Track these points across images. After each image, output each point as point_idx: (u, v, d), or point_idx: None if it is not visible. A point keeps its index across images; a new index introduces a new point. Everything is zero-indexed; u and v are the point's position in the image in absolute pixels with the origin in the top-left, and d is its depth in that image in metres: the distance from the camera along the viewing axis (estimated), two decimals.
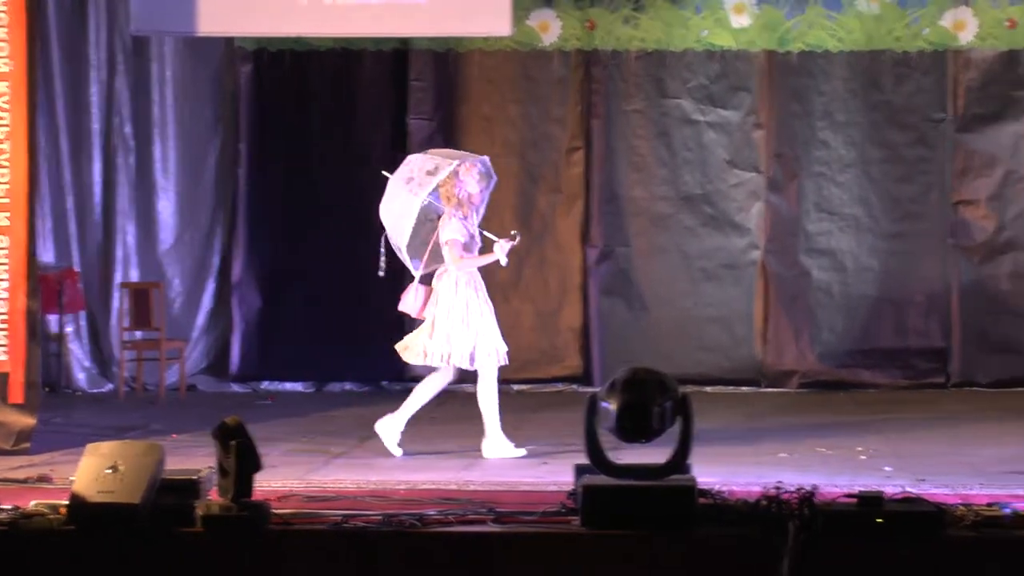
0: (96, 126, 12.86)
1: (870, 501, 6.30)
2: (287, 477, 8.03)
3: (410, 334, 9.50)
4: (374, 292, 12.76)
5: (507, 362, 9.47)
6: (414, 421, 9.42)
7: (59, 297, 12.16)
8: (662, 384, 6.54)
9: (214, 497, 6.46)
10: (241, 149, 12.85)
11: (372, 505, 6.92)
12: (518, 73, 12.77)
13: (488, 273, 12.74)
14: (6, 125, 9.32)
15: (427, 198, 9.35)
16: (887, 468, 8.68)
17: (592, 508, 6.38)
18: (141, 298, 12.32)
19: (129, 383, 12.48)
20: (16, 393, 9.35)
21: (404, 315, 9.58)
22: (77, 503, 6.31)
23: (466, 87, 12.77)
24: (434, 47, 12.72)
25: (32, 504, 6.60)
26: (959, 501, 6.84)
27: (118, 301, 12.63)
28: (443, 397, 12.33)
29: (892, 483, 7.77)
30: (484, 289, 9.42)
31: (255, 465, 6.34)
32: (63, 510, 6.39)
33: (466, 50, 12.72)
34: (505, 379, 12.57)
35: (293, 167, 12.82)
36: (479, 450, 9.35)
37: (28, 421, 9.32)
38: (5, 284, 9.33)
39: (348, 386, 12.75)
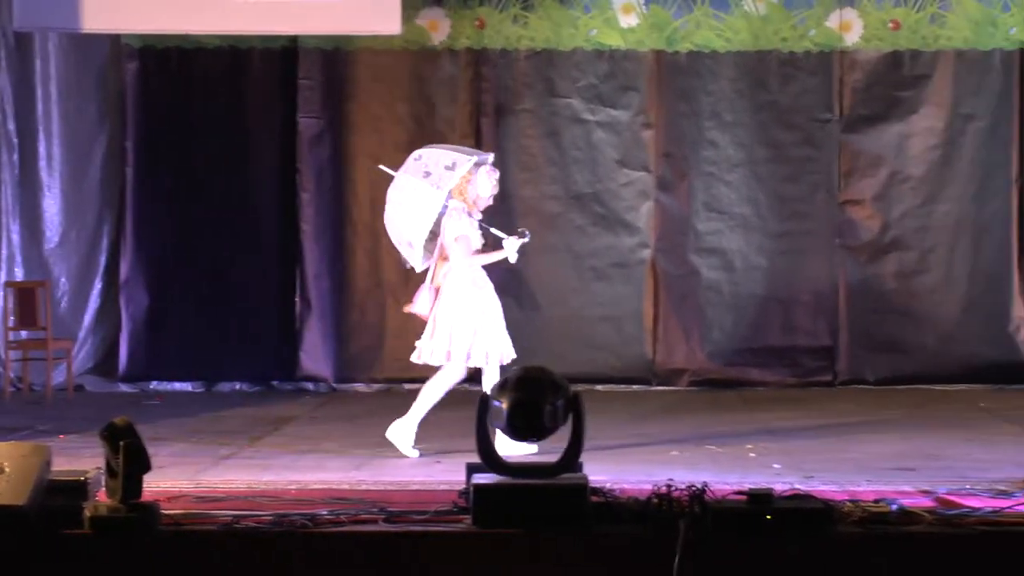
0: None
1: (760, 498, 6.34)
2: (177, 478, 7.95)
3: (425, 337, 9.39)
4: (264, 292, 12.73)
5: (514, 356, 9.36)
6: (306, 422, 9.37)
7: None
8: (553, 383, 6.55)
9: (102, 498, 6.37)
10: (128, 147, 12.72)
11: (263, 505, 6.86)
12: (407, 72, 12.74)
13: (379, 273, 12.77)
14: None
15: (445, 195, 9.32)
16: (776, 465, 8.75)
17: (484, 507, 6.37)
18: (26, 297, 12.16)
19: (15, 383, 12.32)
20: None
21: (413, 316, 9.44)
22: None
23: (355, 86, 12.73)
24: (323, 45, 12.66)
25: None
26: (847, 498, 6.90)
27: (3, 300, 12.45)
28: (328, 396, 12.32)
29: (781, 480, 7.83)
30: (491, 286, 9.38)
31: (144, 466, 6.26)
32: None
33: (355, 48, 12.67)
34: (396, 378, 12.63)
35: (181, 166, 12.70)
36: (364, 449, 9.32)
37: None
38: None
39: (238, 386, 12.65)
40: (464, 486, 6.66)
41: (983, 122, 12.57)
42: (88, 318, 12.89)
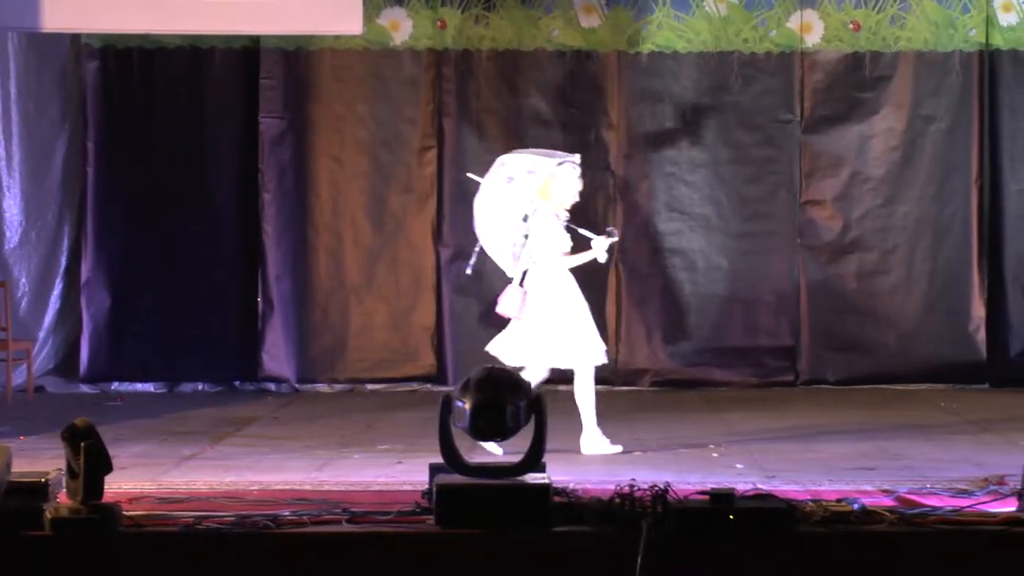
0: None
1: (722, 498, 6.36)
2: (138, 479, 7.92)
3: (501, 335, 9.46)
4: (226, 292, 12.69)
5: (606, 360, 9.48)
6: (268, 423, 9.32)
7: None
8: (516, 383, 6.56)
9: (63, 500, 6.35)
10: (89, 147, 12.66)
11: (225, 506, 6.85)
12: (369, 72, 12.72)
13: (341, 274, 12.76)
14: None
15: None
16: (738, 465, 8.77)
17: (446, 507, 6.37)
18: None
19: None
20: None
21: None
22: None
23: (317, 86, 12.70)
24: (284, 45, 12.63)
25: None
26: (809, 497, 6.93)
27: None
28: (290, 397, 12.31)
29: (743, 480, 7.86)
30: (577, 288, 9.43)
31: (105, 467, 6.25)
32: None
33: (317, 48, 12.64)
34: (359, 379, 12.62)
35: (142, 166, 12.65)
36: (327, 450, 9.30)
37: None
38: None
39: (200, 386, 12.61)
40: (427, 486, 6.66)
41: (943, 123, 12.63)
42: (49, 319, 12.83)
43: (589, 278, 12.61)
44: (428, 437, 6.91)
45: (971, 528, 6.50)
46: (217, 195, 12.72)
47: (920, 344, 12.58)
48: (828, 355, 12.62)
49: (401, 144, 12.73)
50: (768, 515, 6.34)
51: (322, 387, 12.66)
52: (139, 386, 12.61)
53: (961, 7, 12.60)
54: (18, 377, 12.24)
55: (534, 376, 9.35)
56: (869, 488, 7.51)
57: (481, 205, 9.66)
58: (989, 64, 12.61)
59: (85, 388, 12.58)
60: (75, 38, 12.60)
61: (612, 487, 6.58)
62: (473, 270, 9.87)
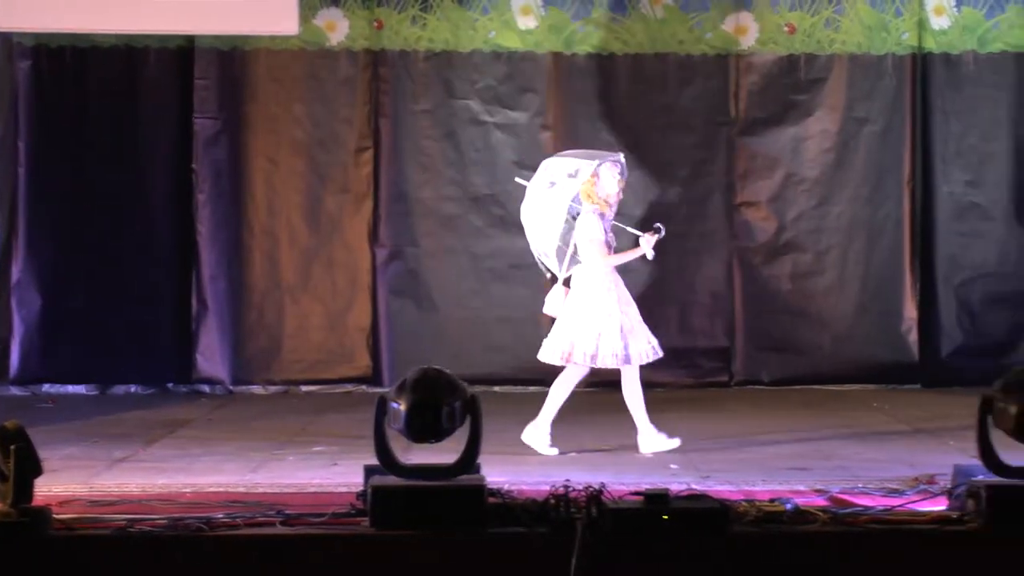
0: None
1: (656, 498, 6.39)
2: (70, 481, 7.87)
3: (548, 337, 9.54)
4: (159, 293, 12.62)
5: (660, 354, 9.54)
6: (202, 425, 9.30)
7: None
8: (451, 384, 6.57)
9: None
10: (20, 147, 12.55)
11: (157, 509, 6.82)
12: (305, 72, 12.67)
13: (276, 274, 12.70)
14: None
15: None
16: (673, 466, 8.80)
17: (381, 509, 6.37)
18: None
19: None
20: None
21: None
22: None
23: (253, 86, 12.64)
24: (219, 45, 12.57)
25: None
26: (743, 497, 6.97)
27: None
28: (225, 399, 12.25)
29: (678, 480, 7.89)
30: (623, 287, 9.49)
31: (35, 470, 6.20)
32: None
33: (252, 48, 12.59)
34: (294, 380, 12.58)
35: (75, 166, 12.56)
36: (261, 452, 9.27)
37: None
38: None
39: (133, 388, 12.53)
40: (362, 488, 6.65)
41: (876, 125, 12.71)
42: None
43: (523, 279, 12.69)
44: (363, 439, 6.90)
45: (902, 527, 6.55)
46: (151, 196, 12.64)
47: (853, 345, 12.65)
48: (762, 356, 12.67)
49: (337, 144, 12.70)
50: (702, 515, 6.36)
51: (257, 389, 12.60)
52: (71, 388, 12.51)
53: (894, 11, 12.69)
54: None
55: (575, 375, 9.40)
56: (802, 488, 7.56)
57: (525, 211, 9.75)
58: (921, 67, 12.70)
59: (15, 390, 12.46)
60: (6, 37, 12.48)
61: (547, 488, 6.59)
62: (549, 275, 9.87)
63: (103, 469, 8.63)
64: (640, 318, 9.52)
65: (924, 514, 6.72)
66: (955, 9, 12.70)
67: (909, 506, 6.87)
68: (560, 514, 6.34)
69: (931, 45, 12.72)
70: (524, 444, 9.49)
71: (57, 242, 12.54)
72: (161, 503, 7.04)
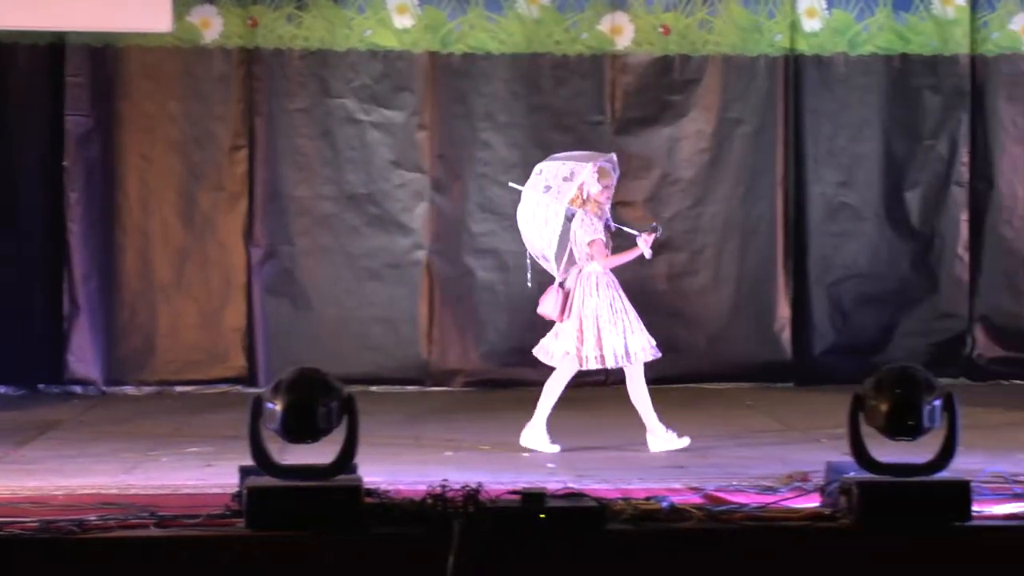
0: None
1: (533, 498, 6.40)
2: None
3: (546, 337, 9.56)
4: (29, 292, 12.43)
5: (655, 355, 9.58)
6: (74, 426, 9.17)
7: None
8: (327, 384, 6.54)
9: None
10: None
11: (29, 512, 6.72)
12: (179, 70, 12.55)
13: (150, 273, 12.57)
14: None
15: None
16: (550, 465, 8.83)
17: (257, 510, 6.33)
18: None
19: None
20: None
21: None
22: None
23: (126, 84, 12.50)
24: (91, 42, 12.40)
25: None
26: (619, 496, 7.00)
27: None
28: (97, 400, 12.10)
29: (554, 479, 7.91)
30: (619, 287, 9.51)
31: None
32: None
33: (125, 45, 12.44)
34: (168, 380, 12.45)
35: None
36: (134, 453, 9.17)
37: None
38: None
39: (2, 389, 12.33)
40: (237, 489, 6.61)
41: (750, 126, 12.83)
42: None
43: (400, 278, 12.68)
44: (239, 439, 6.84)
45: (776, 524, 6.62)
46: (21, 194, 12.44)
47: (728, 344, 12.77)
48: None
49: (212, 143, 12.59)
50: (578, 514, 6.39)
51: (130, 389, 12.46)
52: None
53: (767, 12, 12.82)
54: None
55: (567, 372, 9.46)
56: (678, 486, 7.61)
57: (521, 215, 9.77)
58: (794, 69, 12.85)
59: None
60: None
61: (424, 488, 6.58)
62: (531, 280, 9.83)
63: None
64: (637, 316, 9.55)
65: (797, 511, 6.79)
66: (826, 12, 12.86)
67: (783, 503, 6.94)
68: (437, 514, 6.33)
69: (803, 47, 12.87)
70: (401, 443, 9.48)
71: None
72: (32, 505, 6.94)
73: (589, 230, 9.49)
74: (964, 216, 12.98)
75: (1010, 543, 6.55)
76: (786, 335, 12.81)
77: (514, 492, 6.54)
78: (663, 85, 12.81)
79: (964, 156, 12.95)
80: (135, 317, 12.51)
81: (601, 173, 9.53)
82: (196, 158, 12.58)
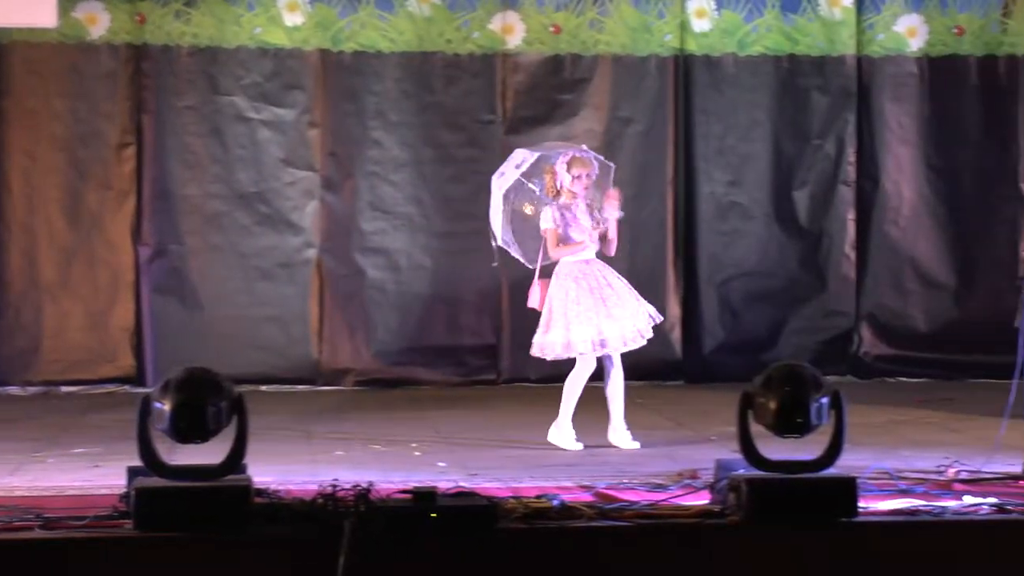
0: None
1: (424, 496, 6.40)
2: None
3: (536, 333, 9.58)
4: None
5: (643, 341, 9.55)
6: None
7: None
8: (217, 384, 6.50)
9: None
10: None
11: None
12: (65, 66, 12.41)
13: (35, 273, 12.41)
14: None
15: (536, 190, 9.53)
16: (441, 464, 8.82)
17: (145, 511, 6.27)
18: None
19: None
20: None
21: None
22: None
23: (9, 80, 12.34)
24: None
25: None
26: (510, 494, 7.02)
27: None
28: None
29: (446, 478, 7.90)
30: (596, 277, 9.47)
31: None
32: None
33: (9, 41, 12.28)
34: (54, 380, 12.30)
35: None
36: (19, 454, 9.05)
37: None
38: None
39: None
40: (125, 490, 6.55)
41: (640, 125, 12.90)
42: None
43: (290, 277, 12.62)
44: (127, 440, 6.78)
45: (667, 521, 6.66)
46: None
47: None
48: (529, 354, 12.74)
49: (99, 140, 12.46)
50: (470, 513, 6.39)
51: (15, 390, 12.29)
52: None
53: (657, 13, 12.89)
54: None
55: (584, 367, 9.48)
56: (569, 484, 7.63)
57: (495, 206, 9.72)
58: (684, 69, 12.94)
59: None
60: None
61: (315, 487, 6.56)
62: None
63: None
64: (622, 303, 9.51)
65: (688, 508, 6.83)
66: (716, 12, 12.96)
67: (673, 500, 6.99)
68: (328, 514, 6.31)
69: (693, 47, 12.96)
70: (291, 443, 9.43)
71: None
72: None
73: (547, 220, 9.54)
74: (851, 215, 13.14)
75: (895, 538, 6.63)
76: (676, 334, 12.89)
77: (405, 491, 6.53)
78: (554, 84, 12.85)
79: (851, 156, 13.11)
80: (20, 317, 12.35)
81: (573, 163, 9.54)
82: (83, 156, 12.44)
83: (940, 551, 6.61)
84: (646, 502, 6.94)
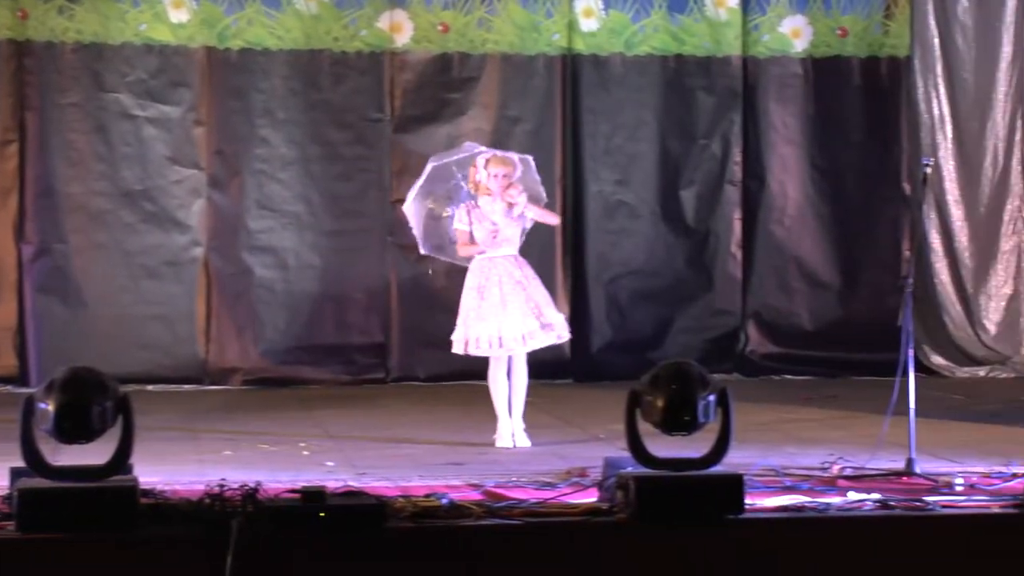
0: None
1: (313, 496, 6.37)
2: None
3: None
4: None
5: (558, 340, 9.75)
6: None
7: None
8: (102, 383, 6.43)
9: None
10: None
11: None
12: None
13: None
14: None
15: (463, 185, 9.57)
16: (329, 463, 8.78)
17: (28, 512, 6.20)
18: None
19: None
20: None
21: None
22: None
23: None
24: None
25: None
26: (399, 493, 7.01)
27: None
28: None
29: (334, 477, 7.87)
30: (500, 274, 9.52)
31: None
32: None
33: None
34: None
35: None
36: None
37: None
38: None
39: None
40: (7, 491, 6.47)
41: (528, 124, 12.94)
42: None
43: (177, 276, 12.51)
44: (9, 441, 6.69)
45: (555, 519, 6.68)
46: None
47: None
48: (418, 352, 12.77)
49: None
50: (358, 512, 6.37)
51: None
52: None
53: (545, 12, 12.94)
54: None
55: (494, 366, 9.59)
56: (457, 483, 7.62)
57: (410, 218, 9.77)
58: (572, 68, 12.99)
59: None
60: None
61: (202, 487, 6.51)
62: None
63: None
64: (530, 302, 9.62)
65: (576, 506, 6.86)
66: (603, 12, 13.03)
67: (561, 498, 7.01)
68: (215, 514, 6.26)
69: (581, 46, 13.02)
70: (178, 443, 9.36)
71: None
72: None
73: (456, 221, 9.63)
74: (737, 215, 13.26)
75: (780, 534, 6.70)
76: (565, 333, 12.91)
77: (293, 491, 6.50)
78: (442, 83, 12.86)
79: (737, 156, 13.24)
80: None
81: (492, 161, 9.57)
82: None
83: (825, 547, 6.68)
84: (535, 500, 6.95)
